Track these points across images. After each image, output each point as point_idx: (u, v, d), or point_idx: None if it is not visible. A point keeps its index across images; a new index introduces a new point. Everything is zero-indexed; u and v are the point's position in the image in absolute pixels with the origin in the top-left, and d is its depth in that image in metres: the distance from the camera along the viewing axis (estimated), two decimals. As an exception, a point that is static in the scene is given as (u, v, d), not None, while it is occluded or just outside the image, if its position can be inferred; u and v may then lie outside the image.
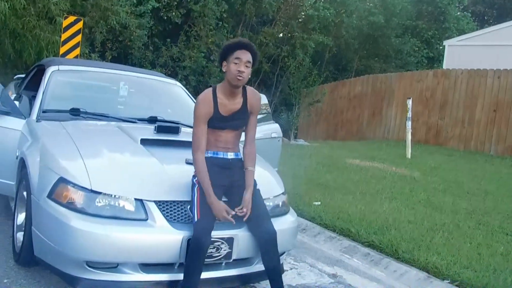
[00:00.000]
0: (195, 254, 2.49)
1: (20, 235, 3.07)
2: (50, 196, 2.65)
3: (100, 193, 2.56)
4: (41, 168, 2.84)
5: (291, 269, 3.59)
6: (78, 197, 2.57)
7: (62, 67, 4.14)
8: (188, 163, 2.95)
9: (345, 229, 4.37)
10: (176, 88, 4.60)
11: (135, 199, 2.59)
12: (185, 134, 3.41)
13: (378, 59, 21.34)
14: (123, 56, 15.70)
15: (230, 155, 2.79)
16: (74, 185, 2.59)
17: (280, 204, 3.09)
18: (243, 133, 2.91)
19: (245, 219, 2.65)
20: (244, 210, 2.64)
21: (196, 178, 2.67)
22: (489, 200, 5.86)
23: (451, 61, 13.33)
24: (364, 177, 6.65)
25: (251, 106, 2.82)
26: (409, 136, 8.78)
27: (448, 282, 3.41)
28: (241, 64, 2.64)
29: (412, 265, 3.70)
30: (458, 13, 23.05)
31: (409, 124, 8.80)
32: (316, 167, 7.15)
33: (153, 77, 4.66)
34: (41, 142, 3.08)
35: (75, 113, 3.69)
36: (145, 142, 3.11)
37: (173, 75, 14.45)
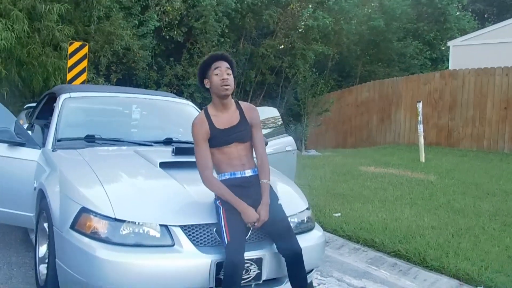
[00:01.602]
0: (231, 277, 2.43)
1: (43, 268, 3.03)
2: (73, 227, 2.60)
3: (124, 221, 2.51)
4: (61, 198, 2.80)
5: (319, 284, 3.51)
6: (101, 227, 2.52)
7: (73, 94, 4.12)
8: (209, 184, 2.90)
9: (369, 240, 4.30)
10: (188, 108, 4.57)
11: (160, 225, 2.53)
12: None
13: (382, 63, 21.31)
14: (127, 77, 15.80)
15: (248, 173, 2.72)
16: (97, 214, 2.54)
17: (306, 219, 3.02)
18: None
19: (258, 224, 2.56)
20: (256, 224, 2.56)
21: (218, 200, 2.62)
22: (510, 200, 5.74)
23: (457, 62, 13.25)
24: (381, 184, 6.56)
25: (250, 118, 2.77)
26: (421, 140, 8.69)
27: (482, 289, 3.32)
28: (222, 73, 2.65)
29: (442, 273, 3.62)
30: (458, 13, 23.00)
31: (420, 127, 8.71)
32: (331, 176, 7.07)
33: (164, 98, 4.64)
34: (59, 171, 3.04)
35: (90, 139, 3.66)
36: (164, 165, 3.06)
37: (178, 93, 14.50)
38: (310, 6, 18.60)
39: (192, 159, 3.23)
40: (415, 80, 12.03)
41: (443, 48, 22.63)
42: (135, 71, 15.39)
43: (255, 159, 2.81)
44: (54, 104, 4.65)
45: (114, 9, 13.52)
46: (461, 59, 13.17)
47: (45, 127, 4.43)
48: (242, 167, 2.71)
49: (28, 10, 8.90)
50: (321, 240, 3.01)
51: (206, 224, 2.62)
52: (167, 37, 16.20)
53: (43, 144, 3.78)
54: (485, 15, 28.12)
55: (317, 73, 12.73)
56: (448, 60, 21.93)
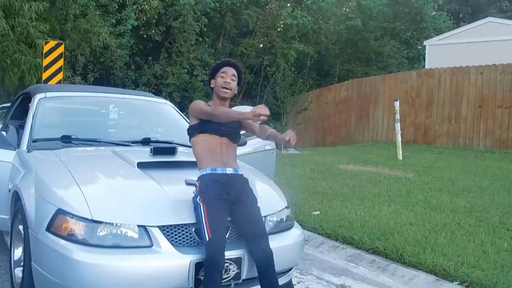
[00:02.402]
0: (212, 275, 2.42)
1: (18, 271, 2.96)
2: (49, 229, 2.55)
3: (101, 222, 2.47)
4: (37, 200, 2.74)
5: (298, 283, 3.52)
6: (78, 228, 2.48)
7: (49, 94, 4.04)
8: (188, 183, 2.89)
9: (348, 237, 4.34)
10: (166, 107, 4.53)
11: (138, 225, 2.51)
12: (182, 154, 3.36)
13: (360, 62, 21.54)
14: (105, 77, 15.59)
15: (229, 170, 2.74)
16: (74, 216, 2.50)
17: (285, 218, 3.03)
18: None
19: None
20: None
21: (198, 197, 2.61)
22: (486, 196, 5.87)
23: (433, 60, 13.49)
24: (360, 182, 6.63)
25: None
26: (399, 138, 8.81)
27: (458, 284, 3.38)
28: (227, 77, 2.82)
29: (419, 269, 3.67)
30: (434, 13, 23.38)
31: (398, 125, 8.84)
32: (311, 175, 7.11)
33: (142, 97, 4.60)
34: (34, 173, 2.98)
35: (66, 140, 3.60)
36: (142, 165, 3.03)
37: (157, 93, 14.37)
38: (288, 5, 18.67)
39: (170, 159, 3.25)
40: (392, 78, 12.19)
41: (420, 47, 23.00)
42: (113, 70, 15.19)
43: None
44: (29, 104, 4.58)
45: (90, 7, 13.32)
46: (437, 58, 13.41)
47: (20, 128, 4.33)
48: (224, 164, 2.73)
49: (5, 7, 8.69)
50: (300, 238, 3.02)
51: (185, 224, 2.60)
52: (145, 36, 16.03)
53: (18, 145, 3.71)
54: (460, 15, 28.64)
55: (295, 72, 12.78)
56: (424, 59, 22.39)
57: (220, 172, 2.70)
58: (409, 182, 6.59)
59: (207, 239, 2.47)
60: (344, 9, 22.17)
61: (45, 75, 8.19)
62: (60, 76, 8.27)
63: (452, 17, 26.30)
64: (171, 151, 3.28)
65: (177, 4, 16.05)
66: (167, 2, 16.29)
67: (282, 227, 2.97)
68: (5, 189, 3.40)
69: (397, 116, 8.85)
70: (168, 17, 16.33)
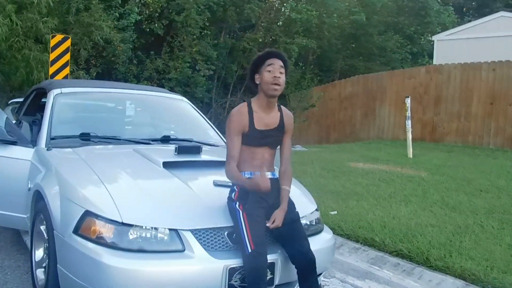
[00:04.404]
0: (257, 285, 2.35)
1: (40, 273, 2.88)
2: (76, 231, 2.45)
3: (131, 225, 2.38)
4: (62, 201, 2.64)
5: (323, 286, 3.43)
6: (107, 231, 2.38)
7: (64, 90, 3.92)
8: (216, 185, 2.80)
9: (368, 239, 4.24)
10: (183, 104, 4.42)
11: (170, 229, 2.41)
12: (206, 153, 3.26)
13: (362, 57, 21.37)
14: (106, 71, 15.43)
15: (268, 175, 2.63)
16: (102, 218, 2.40)
17: (315, 221, 2.94)
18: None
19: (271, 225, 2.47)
20: (269, 224, 2.47)
21: (237, 203, 2.51)
22: (504, 196, 5.79)
23: (441, 56, 13.36)
24: (372, 180, 6.54)
25: (287, 124, 2.73)
26: (409, 135, 8.73)
27: (490, 289, 3.29)
28: (275, 70, 2.54)
29: (446, 273, 3.58)
30: (438, 7, 23.18)
31: (409, 123, 8.74)
32: (321, 173, 7.02)
33: (158, 93, 4.48)
34: (57, 172, 2.87)
35: (85, 137, 3.49)
36: (167, 165, 2.93)
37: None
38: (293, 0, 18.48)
39: (196, 158, 3.15)
40: (399, 75, 12.08)
41: (423, 42, 22.87)
42: (115, 65, 15.03)
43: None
44: (43, 100, 4.46)
45: (93, 1, 13.15)
46: (445, 53, 13.28)
47: (33, 124, 4.24)
48: (262, 169, 2.61)
49: (16, 2, 8.54)
50: (331, 242, 2.93)
51: (218, 228, 2.50)
52: (147, 30, 15.85)
53: (33, 142, 3.60)
54: (464, 9, 28.47)
55: (303, 67, 12.64)
56: (428, 55, 22.26)
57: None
58: (423, 181, 6.50)
59: (250, 250, 2.36)
60: (347, 3, 21.98)
61: (51, 70, 8.06)
62: (66, 70, 8.14)
63: (455, 12, 26.16)
64: (196, 150, 3.18)
65: (180, -3, 15.88)
66: (169, -5, 16.12)
67: (312, 230, 2.88)
68: (22, 188, 3.29)
69: (408, 113, 8.75)
70: (170, 11, 16.16)
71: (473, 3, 28.01)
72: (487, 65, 10.17)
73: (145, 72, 16.04)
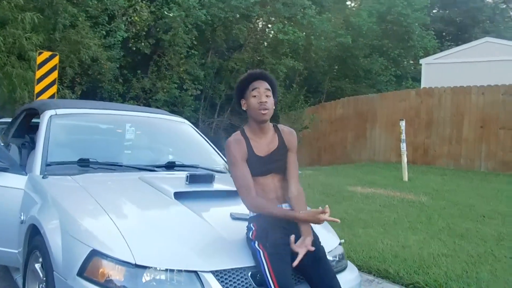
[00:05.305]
0: None
1: (33, 317, 2.56)
2: (81, 274, 2.17)
3: (146, 267, 2.11)
4: (64, 238, 2.36)
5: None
6: (118, 274, 2.11)
7: (59, 111, 3.64)
8: (234, 218, 2.56)
9: (382, 270, 4.01)
10: (184, 127, 4.18)
11: (189, 271, 2.15)
12: (218, 181, 3.02)
13: (349, 79, 21.48)
14: (91, 90, 15.07)
15: (285, 207, 2.42)
16: (113, 259, 2.13)
17: (338, 257, 2.72)
18: None
19: (295, 263, 2.20)
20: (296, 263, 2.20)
21: (257, 243, 2.26)
22: (508, 223, 5.65)
23: (429, 79, 13.44)
24: (374, 206, 6.35)
25: (288, 142, 2.49)
26: (404, 158, 8.61)
27: (517, 327, 3.09)
28: (261, 95, 2.35)
29: (469, 308, 3.37)
30: (420, 31, 23.52)
31: (404, 146, 8.63)
32: (322, 198, 6.80)
33: (159, 115, 4.23)
34: (56, 204, 2.59)
35: (84, 164, 3.21)
36: (179, 196, 2.68)
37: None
38: (279, 21, 18.51)
39: (208, 188, 2.90)
40: (390, 97, 12.06)
41: (406, 65, 23.18)
42: (101, 83, 14.70)
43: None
44: (34, 121, 4.18)
45: (80, 18, 12.89)
46: (433, 77, 13.36)
47: (23, 147, 3.94)
48: (278, 201, 2.39)
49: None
50: (357, 281, 2.70)
51: (240, 268, 2.25)
52: (134, 48, 15.62)
53: (22, 167, 3.32)
54: (443, 33, 29.02)
55: (297, 89, 12.53)
56: (411, 78, 22.52)
57: None
58: (425, 207, 6.34)
59: None
60: (333, 26, 22.14)
61: (37, 88, 7.72)
62: (54, 89, 7.82)
63: (436, 37, 26.64)
64: (209, 179, 2.93)
65: (167, 16, 15.74)
66: (156, 14, 15.96)
67: (338, 267, 2.64)
68: (13, 220, 2.99)
69: (403, 136, 8.65)
70: (157, 29, 15.99)
71: (452, 29, 28.60)
72: (477, 89, 10.21)
73: (131, 91, 15.74)
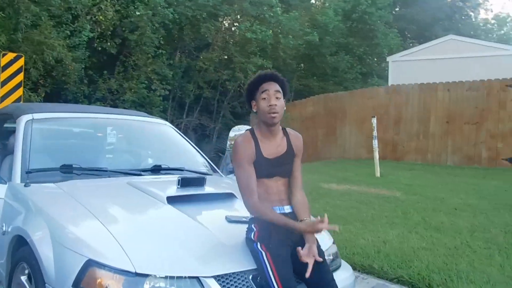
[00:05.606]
0: None
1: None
2: (77, 285, 2.10)
3: (147, 275, 2.06)
4: (55, 248, 2.27)
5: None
6: (117, 284, 2.05)
7: (36, 116, 3.50)
8: (230, 221, 2.54)
9: (366, 266, 4.09)
10: (166, 129, 4.13)
11: (190, 277, 2.12)
12: (209, 184, 2.99)
13: (316, 77, 21.71)
14: (55, 91, 14.63)
15: (287, 209, 2.42)
16: (111, 268, 2.07)
17: (332, 256, 2.74)
18: None
19: (307, 274, 2.21)
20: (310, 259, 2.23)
21: (259, 244, 2.26)
22: (479, 215, 5.86)
23: (396, 77, 13.74)
24: (350, 202, 6.45)
25: (295, 147, 2.49)
26: (376, 155, 8.78)
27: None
28: (270, 97, 2.33)
29: (453, 300, 3.47)
30: (384, 29, 24.02)
31: (375, 142, 8.80)
32: (298, 196, 6.85)
33: (139, 118, 4.15)
34: (43, 213, 2.50)
35: (67, 170, 3.11)
36: (172, 200, 2.63)
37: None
38: (247, 20, 18.50)
39: (201, 191, 2.86)
40: (359, 94, 12.27)
41: (371, 62, 23.65)
42: (66, 85, 14.28)
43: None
44: (5, 126, 4.03)
45: (43, 17, 12.48)
46: (400, 74, 13.67)
47: (-3, 154, 3.78)
48: (281, 203, 2.39)
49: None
50: (351, 280, 2.74)
51: (241, 272, 2.24)
52: (99, 48, 15.26)
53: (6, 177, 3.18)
54: (405, 32, 29.76)
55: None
56: (377, 75, 23.01)
57: (278, 212, 2.36)
58: (399, 202, 6.49)
59: None
60: (301, 24, 22.31)
61: (2, 91, 7.45)
62: (20, 92, 7.56)
63: (399, 35, 27.28)
64: (201, 182, 2.90)
65: (133, 16, 15.45)
66: (122, 13, 15.64)
67: (332, 266, 2.66)
68: (-7, 231, 2.86)
69: (375, 133, 8.82)
70: (124, 29, 15.67)
71: (414, 27, 29.34)
72: (442, 86, 10.52)
73: (97, 92, 15.37)
